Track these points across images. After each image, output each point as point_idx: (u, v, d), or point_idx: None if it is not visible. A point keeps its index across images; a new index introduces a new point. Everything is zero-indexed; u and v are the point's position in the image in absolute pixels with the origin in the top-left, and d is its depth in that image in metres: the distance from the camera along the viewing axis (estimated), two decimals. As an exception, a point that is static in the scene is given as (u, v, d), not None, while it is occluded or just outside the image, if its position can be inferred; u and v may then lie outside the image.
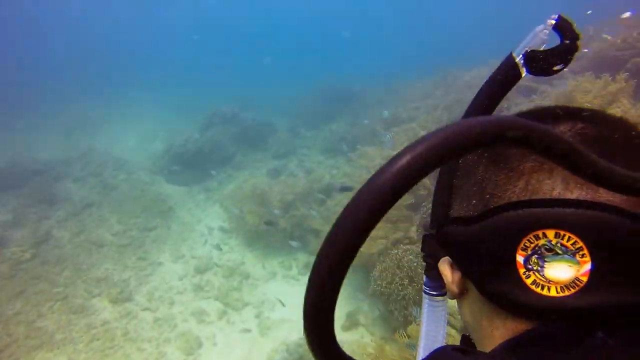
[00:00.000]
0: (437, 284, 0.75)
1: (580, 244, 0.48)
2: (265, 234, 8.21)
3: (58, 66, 26.06)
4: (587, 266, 0.49)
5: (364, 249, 6.15)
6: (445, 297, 0.76)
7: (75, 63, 26.54)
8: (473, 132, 0.42)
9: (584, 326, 0.49)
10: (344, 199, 7.81)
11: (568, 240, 0.49)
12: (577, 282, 0.49)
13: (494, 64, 0.68)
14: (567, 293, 0.49)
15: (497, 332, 0.57)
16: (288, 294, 7.27)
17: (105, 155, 12.48)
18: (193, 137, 12.24)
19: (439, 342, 0.78)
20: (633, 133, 0.55)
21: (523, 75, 0.63)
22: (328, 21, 39.93)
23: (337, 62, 25.49)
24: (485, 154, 0.60)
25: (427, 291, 0.77)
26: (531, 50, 0.61)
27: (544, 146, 0.43)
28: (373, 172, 0.46)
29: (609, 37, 7.49)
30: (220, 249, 8.31)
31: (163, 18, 39.25)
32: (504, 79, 0.64)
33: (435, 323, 0.78)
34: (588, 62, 7.74)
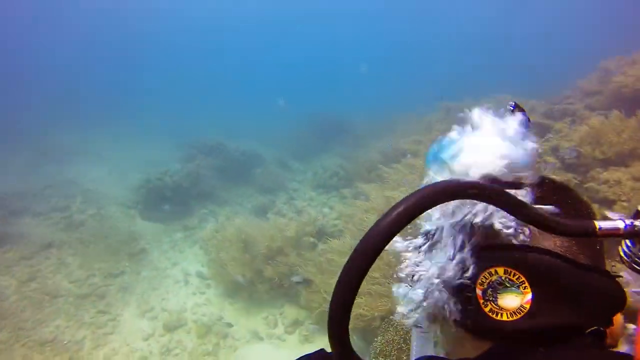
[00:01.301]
0: None
1: (523, 278, 0.64)
2: (249, 284, 7.17)
3: (33, 84, 24.84)
4: (529, 296, 0.64)
5: (362, 310, 5.20)
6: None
7: (51, 82, 25.39)
8: (448, 190, 0.61)
9: (529, 344, 0.64)
10: (337, 245, 6.90)
11: (514, 276, 0.64)
12: (522, 309, 0.64)
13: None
14: (515, 318, 0.64)
15: (462, 356, 0.72)
16: (272, 357, 6.21)
17: (74, 187, 11.37)
18: (172, 169, 11.27)
19: None
20: (576, 195, 0.78)
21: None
22: (337, 52, 39.70)
23: (335, 93, 25.13)
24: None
25: (417, 324, 0.87)
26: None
27: (491, 197, 0.61)
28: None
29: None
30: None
31: (148, 39, 38.77)
32: None
33: (423, 352, 0.93)
34: (605, 99, 7.22)
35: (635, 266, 0.67)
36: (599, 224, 0.62)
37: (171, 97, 23.95)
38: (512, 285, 0.64)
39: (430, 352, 0.89)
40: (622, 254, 0.69)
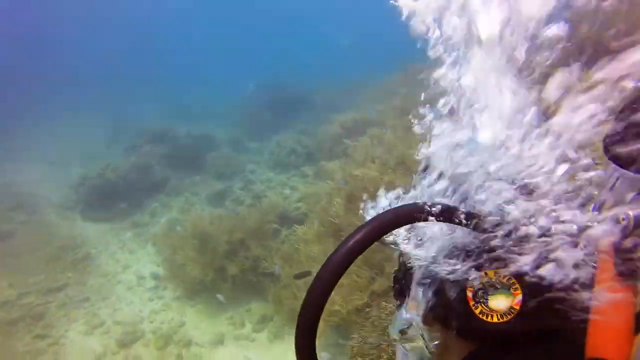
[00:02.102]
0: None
1: (513, 280, 0.65)
2: (211, 283, 6.53)
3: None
4: (519, 297, 0.64)
5: (337, 306, 4.73)
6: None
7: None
8: (400, 218, 0.65)
9: (515, 345, 0.65)
10: (303, 232, 6.35)
11: (504, 278, 0.65)
12: (512, 310, 0.64)
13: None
14: (505, 319, 0.64)
15: (451, 357, 0.73)
16: (242, 361, 5.71)
17: (1, 190, 10.01)
18: (115, 161, 10.15)
19: None
20: None
21: None
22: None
23: (286, 60, 23.87)
24: None
25: None
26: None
27: (439, 217, 0.66)
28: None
29: None
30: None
31: (84, 24, 35.08)
32: None
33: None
34: None
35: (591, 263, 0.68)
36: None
37: (113, 85, 21.89)
38: (502, 287, 0.65)
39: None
40: None
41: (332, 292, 0.63)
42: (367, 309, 4.64)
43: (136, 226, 9.28)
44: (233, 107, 15.72)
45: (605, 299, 0.59)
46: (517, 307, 0.64)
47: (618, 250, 0.60)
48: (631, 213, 0.58)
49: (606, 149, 0.63)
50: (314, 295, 0.62)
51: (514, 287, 0.64)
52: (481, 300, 0.66)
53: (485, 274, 0.66)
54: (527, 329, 0.64)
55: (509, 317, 0.64)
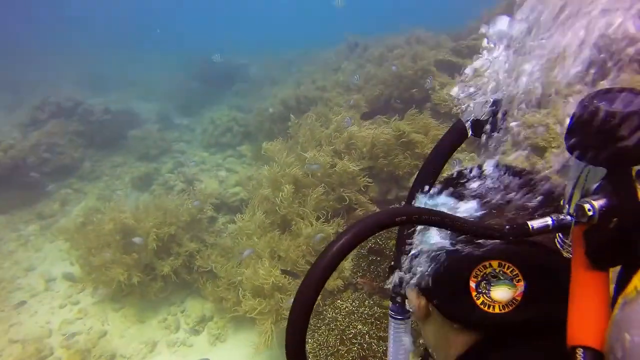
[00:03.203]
0: (402, 309, 0.90)
1: (517, 271, 0.65)
2: (138, 284, 5.64)
3: None
4: (521, 289, 0.65)
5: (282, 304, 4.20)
6: (408, 320, 0.91)
7: None
8: (379, 222, 0.61)
9: (507, 338, 0.67)
10: (244, 224, 5.70)
11: (507, 269, 0.66)
12: (514, 302, 0.65)
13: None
14: (506, 310, 0.65)
15: (452, 349, 0.73)
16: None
17: None
18: (8, 141, 8.44)
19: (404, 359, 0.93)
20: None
21: (468, 136, 0.84)
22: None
23: (215, 30, 21.93)
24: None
25: (393, 316, 0.91)
26: (476, 119, 0.81)
27: (419, 221, 0.63)
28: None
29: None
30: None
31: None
32: (456, 138, 0.85)
33: (399, 342, 0.91)
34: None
35: (569, 255, 0.67)
36: (532, 224, 0.65)
37: (9, 48, 18.45)
38: (505, 278, 0.65)
39: (408, 342, 0.89)
40: (558, 246, 0.70)
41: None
42: (320, 309, 4.21)
43: (42, 217, 7.86)
44: (158, 79, 14.07)
45: (579, 282, 0.62)
46: (519, 299, 0.65)
47: (587, 236, 0.62)
48: (596, 203, 0.60)
49: (567, 145, 0.63)
50: (297, 314, 0.61)
51: (516, 278, 0.65)
52: (484, 291, 0.66)
53: (489, 264, 0.67)
54: (528, 320, 0.65)
55: (511, 308, 0.65)
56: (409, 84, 6.82)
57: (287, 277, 4.59)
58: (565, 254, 0.68)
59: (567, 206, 0.66)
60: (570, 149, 0.62)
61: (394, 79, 7.12)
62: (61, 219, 7.82)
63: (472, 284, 0.67)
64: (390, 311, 0.92)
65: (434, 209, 0.66)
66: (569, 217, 0.65)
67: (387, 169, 5.21)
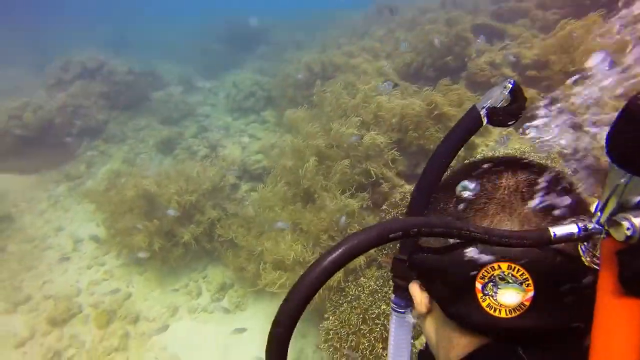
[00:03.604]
0: (404, 303, 0.85)
1: (527, 275, 0.60)
2: (159, 250, 5.71)
3: None
4: (531, 294, 0.60)
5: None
6: (411, 314, 0.86)
7: None
8: (372, 239, 0.57)
9: (513, 344, 0.61)
10: (266, 194, 5.60)
11: (517, 272, 0.61)
12: (522, 306, 0.60)
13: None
14: (513, 315, 0.61)
15: (454, 350, 0.69)
16: (199, 338, 5.14)
17: None
18: (36, 100, 8.49)
19: (405, 353, 0.88)
20: (569, 183, 0.67)
21: (484, 124, 0.76)
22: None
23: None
24: (455, 195, 0.70)
25: (395, 308, 0.87)
26: (492, 107, 0.74)
27: (414, 234, 0.58)
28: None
29: None
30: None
31: None
32: (471, 126, 0.76)
33: (402, 337, 0.88)
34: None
35: (593, 265, 0.61)
36: (553, 231, 0.59)
37: (34, 11, 18.39)
38: (515, 282, 0.61)
39: (407, 336, 0.88)
40: (580, 251, 0.62)
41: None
42: (343, 285, 4.12)
43: (70, 178, 8.02)
44: (181, 41, 13.77)
45: (607, 310, 0.55)
46: (528, 304, 0.60)
47: (622, 258, 0.54)
48: (636, 221, 0.51)
49: (609, 150, 0.53)
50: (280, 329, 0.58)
51: (526, 282, 0.61)
52: (490, 294, 0.62)
53: (499, 266, 0.62)
54: (536, 327, 0.61)
55: (518, 312, 0.61)
56: (443, 51, 6.33)
57: (309, 250, 4.50)
58: (586, 262, 0.62)
59: (598, 214, 0.59)
60: (611, 154, 0.53)
61: (426, 45, 6.62)
62: (87, 181, 7.96)
63: (479, 285, 0.63)
64: (392, 303, 0.89)
65: (438, 217, 0.61)
66: (599, 227, 0.58)
67: (416, 142, 4.91)
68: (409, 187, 4.81)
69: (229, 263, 5.63)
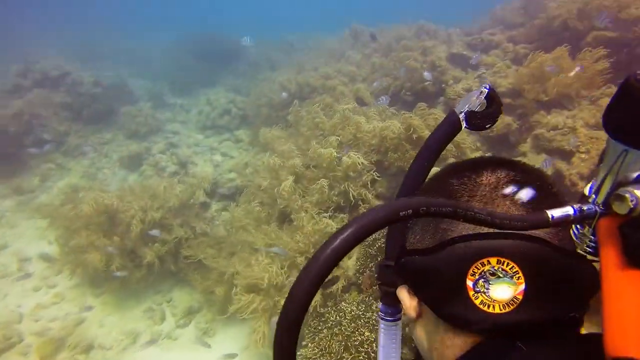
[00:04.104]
0: (392, 310, 0.84)
1: (517, 268, 0.60)
2: (118, 270, 5.25)
3: None
4: (522, 286, 0.59)
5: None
6: (399, 322, 0.86)
7: None
8: (381, 217, 0.57)
9: (510, 339, 0.59)
10: (239, 214, 5.37)
11: (507, 266, 0.60)
12: (515, 300, 0.59)
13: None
14: (507, 310, 0.59)
15: (448, 350, 0.67)
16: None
17: None
18: (-12, 107, 7.88)
19: None
20: (546, 181, 0.68)
21: (463, 128, 0.77)
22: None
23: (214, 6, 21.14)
24: (438, 195, 0.69)
25: (383, 317, 0.85)
26: (471, 111, 0.75)
27: (428, 213, 0.58)
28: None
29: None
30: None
31: None
32: (450, 130, 0.77)
33: (390, 346, 0.86)
34: (531, 32, 6.55)
35: (587, 248, 0.64)
36: (551, 213, 0.60)
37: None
38: (505, 276, 0.60)
39: (395, 347, 0.86)
40: (573, 237, 0.65)
41: None
42: (323, 310, 3.91)
43: (20, 192, 7.38)
44: (153, 55, 13.46)
45: (615, 284, 0.55)
46: (520, 297, 0.60)
47: (625, 231, 0.55)
48: (638, 193, 0.52)
49: (606, 124, 0.58)
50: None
51: (516, 275, 0.60)
52: (482, 290, 0.61)
53: (488, 261, 0.61)
54: (531, 320, 0.59)
55: (512, 307, 0.60)
56: (420, 77, 6.49)
57: (285, 272, 4.28)
58: (579, 247, 0.65)
59: (593, 196, 0.62)
60: (609, 128, 0.57)
61: (405, 70, 6.77)
62: (41, 195, 7.36)
63: (470, 283, 0.62)
64: (380, 312, 0.87)
65: (440, 198, 0.61)
66: (595, 208, 0.60)
67: (397, 163, 4.89)
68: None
69: (197, 285, 5.28)
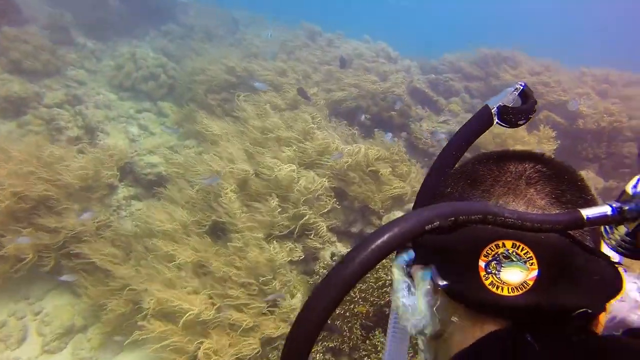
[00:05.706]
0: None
1: (531, 254, 0.57)
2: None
3: None
4: (535, 273, 0.57)
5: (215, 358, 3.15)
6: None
7: None
8: (408, 231, 0.54)
9: (518, 329, 0.56)
10: (158, 213, 4.41)
11: (522, 250, 0.58)
12: (525, 285, 0.57)
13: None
14: (516, 293, 0.57)
15: (459, 336, 0.63)
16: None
17: None
18: None
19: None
20: (576, 175, 0.67)
21: (494, 123, 0.75)
22: None
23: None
24: (463, 178, 0.69)
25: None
26: (504, 106, 0.73)
27: (457, 222, 0.56)
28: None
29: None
30: None
31: None
32: (481, 124, 0.75)
33: (398, 351, 0.82)
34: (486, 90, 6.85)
35: (620, 248, 0.60)
36: (586, 213, 0.57)
37: None
38: (518, 260, 0.58)
39: (404, 352, 0.83)
40: (605, 235, 0.61)
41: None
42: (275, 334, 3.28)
43: None
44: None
45: None
46: (531, 283, 0.57)
47: None
48: None
49: None
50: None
51: (530, 261, 0.58)
52: (493, 272, 0.59)
53: (503, 244, 0.59)
54: (539, 306, 0.57)
55: (521, 291, 0.57)
56: (383, 105, 6.25)
57: (217, 309, 3.52)
58: (611, 244, 0.60)
59: (631, 195, 0.57)
60: None
61: (366, 92, 6.47)
62: None
63: (482, 263, 0.59)
64: (392, 312, 0.82)
65: (468, 202, 0.61)
66: (637, 209, 0.55)
67: (361, 196, 4.48)
68: (340, 247, 4.30)
69: (83, 294, 4.12)
